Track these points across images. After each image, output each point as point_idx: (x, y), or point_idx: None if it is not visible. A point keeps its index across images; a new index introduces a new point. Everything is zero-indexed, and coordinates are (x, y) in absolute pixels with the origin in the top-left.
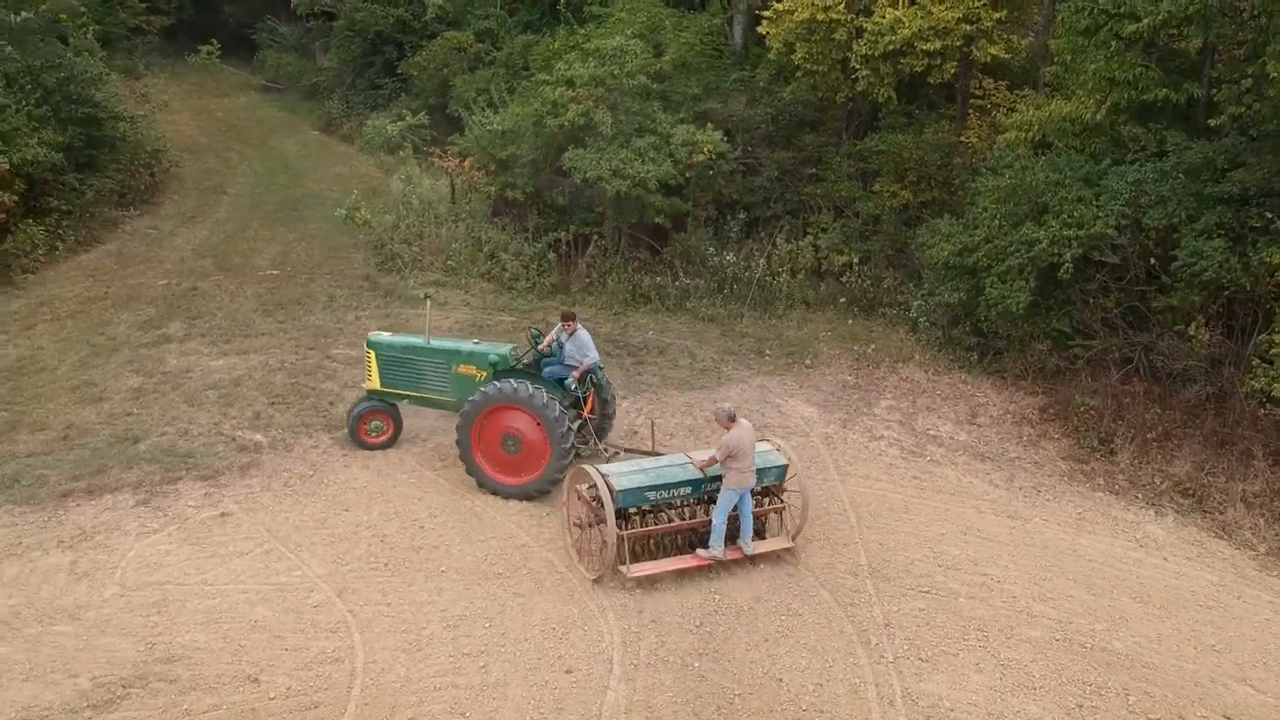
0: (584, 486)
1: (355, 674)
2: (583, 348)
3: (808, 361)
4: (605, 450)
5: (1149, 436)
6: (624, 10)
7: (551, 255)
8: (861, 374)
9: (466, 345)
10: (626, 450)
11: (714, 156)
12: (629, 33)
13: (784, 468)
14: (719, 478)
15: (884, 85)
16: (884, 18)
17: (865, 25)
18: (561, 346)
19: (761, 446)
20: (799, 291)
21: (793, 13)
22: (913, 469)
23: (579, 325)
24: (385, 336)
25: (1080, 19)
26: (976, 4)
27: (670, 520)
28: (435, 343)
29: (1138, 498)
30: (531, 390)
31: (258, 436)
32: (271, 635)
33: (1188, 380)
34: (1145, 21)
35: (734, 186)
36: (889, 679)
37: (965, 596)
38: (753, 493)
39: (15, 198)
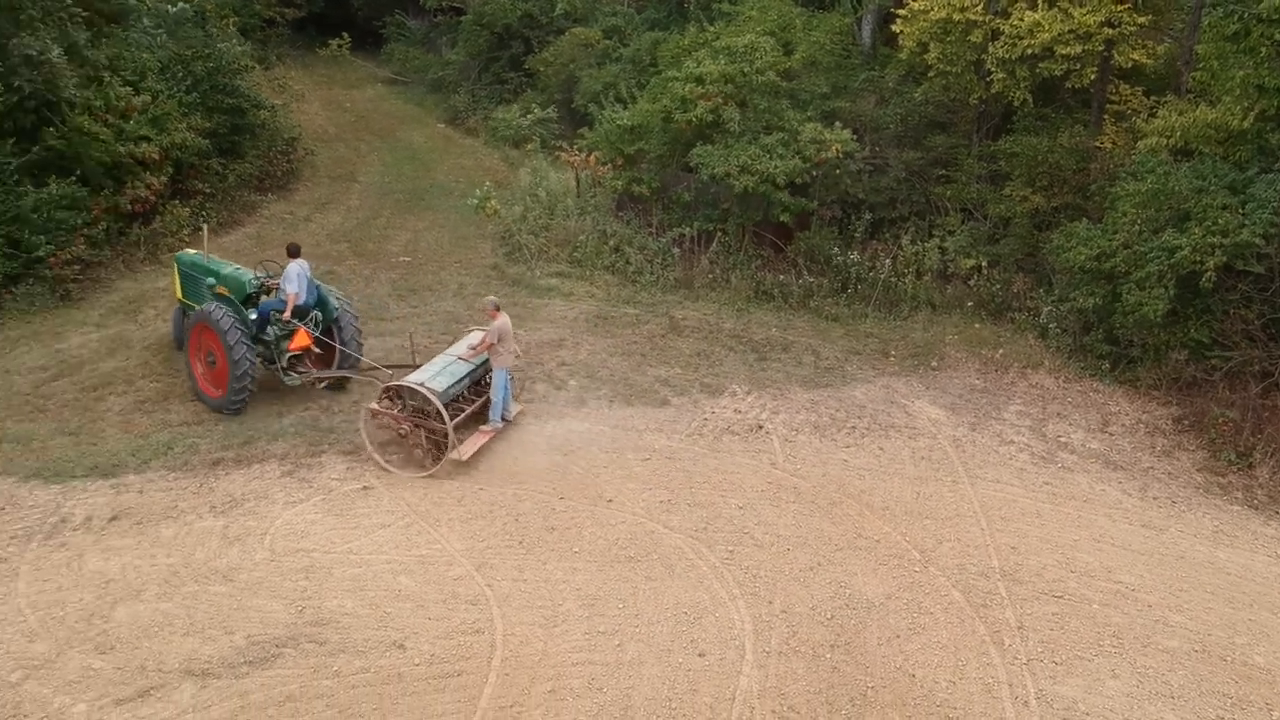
0: (387, 405)
1: (495, 645)
2: (286, 280)
3: (934, 364)
4: (319, 383)
5: None
6: (754, 9)
7: (675, 251)
8: (989, 378)
9: (228, 268)
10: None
11: (841, 155)
12: (759, 30)
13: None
14: (484, 366)
15: (1020, 88)
16: (1022, 20)
17: (1002, 27)
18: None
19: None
20: (924, 294)
21: (928, 12)
22: (1044, 475)
23: (296, 261)
24: (189, 254)
25: (1228, 24)
26: (1118, 7)
27: (463, 410)
28: (207, 262)
29: (1278, 513)
30: (219, 315)
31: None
32: (415, 604)
33: None
34: None
35: (860, 186)
36: (1023, 680)
37: (1099, 603)
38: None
39: (164, 180)
